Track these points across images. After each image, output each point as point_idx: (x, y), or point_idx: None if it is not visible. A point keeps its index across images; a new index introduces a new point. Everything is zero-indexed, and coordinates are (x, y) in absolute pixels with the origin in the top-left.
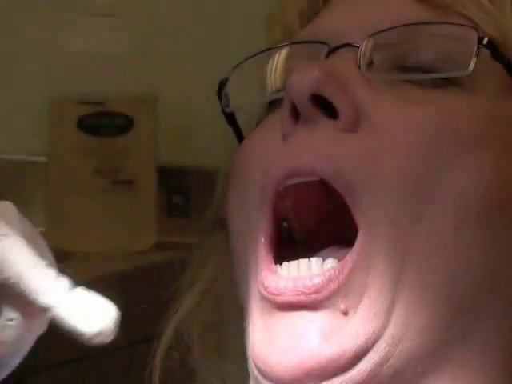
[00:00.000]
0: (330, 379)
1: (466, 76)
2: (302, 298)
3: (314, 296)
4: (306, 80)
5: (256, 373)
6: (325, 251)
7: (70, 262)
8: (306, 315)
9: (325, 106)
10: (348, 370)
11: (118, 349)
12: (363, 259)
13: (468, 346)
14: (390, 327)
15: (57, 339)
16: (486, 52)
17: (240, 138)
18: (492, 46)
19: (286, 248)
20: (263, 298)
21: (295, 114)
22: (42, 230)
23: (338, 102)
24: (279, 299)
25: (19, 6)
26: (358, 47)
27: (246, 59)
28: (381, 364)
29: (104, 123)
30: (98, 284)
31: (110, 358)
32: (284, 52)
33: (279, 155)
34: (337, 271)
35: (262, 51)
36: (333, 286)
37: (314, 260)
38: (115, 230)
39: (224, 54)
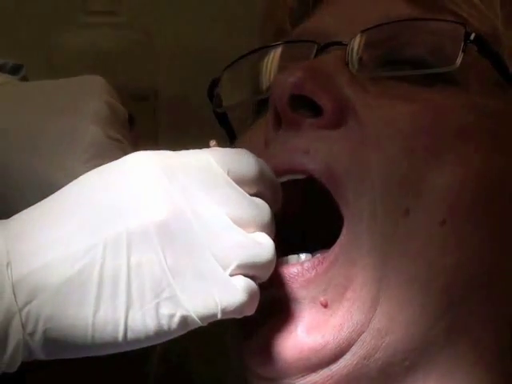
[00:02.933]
0: (315, 371)
1: (453, 71)
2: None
3: (288, 285)
4: (287, 82)
5: (246, 372)
6: (316, 249)
7: None
8: (285, 306)
9: (311, 107)
10: (333, 362)
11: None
12: (346, 252)
13: (458, 342)
14: (374, 320)
15: None
16: (474, 48)
17: (232, 137)
18: (480, 42)
19: (279, 246)
20: None
21: (278, 119)
22: None
23: (320, 98)
24: None
25: (19, 4)
26: (347, 45)
27: (238, 59)
28: (367, 357)
29: None
30: None
31: (112, 357)
32: (276, 52)
33: (263, 159)
34: (316, 262)
35: (254, 51)
36: (309, 274)
37: (303, 255)
38: None
39: (225, 52)
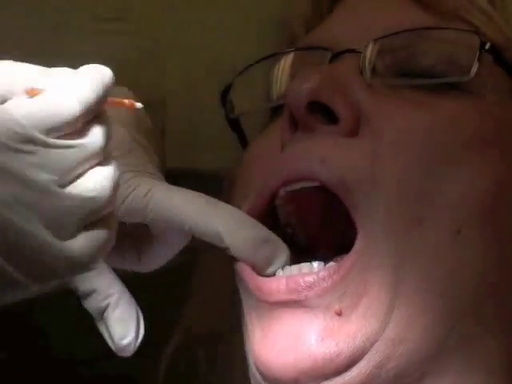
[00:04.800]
0: (329, 379)
1: (468, 80)
2: (294, 295)
3: (305, 293)
4: (304, 88)
5: (257, 375)
6: (328, 256)
7: None
8: (300, 315)
9: (325, 112)
10: (346, 370)
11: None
12: (361, 261)
13: (469, 350)
14: (388, 329)
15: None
16: (489, 57)
17: (244, 143)
18: (494, 51)
19: (291, 253)
20: (258, 299)
21: (294, 122)
22: None
23: (337, 106)
24: (271, 298)
25: (31, 11)
26: (361, 53)
27: (250, 65)
28: (380, 366)
29: None
30: None
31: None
32: (289, 58)
33: (276, 164)
34: (332, 271)
35: (267, 57)
36: (325, 284)
37: (315, 263)
38: None
39: (234, 59)
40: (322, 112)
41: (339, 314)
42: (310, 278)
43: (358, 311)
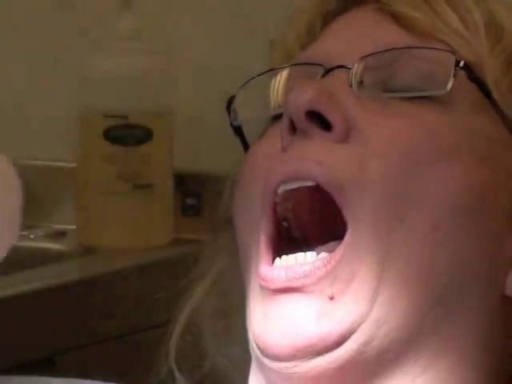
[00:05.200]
0: (321, 356)
1: (445, 94)
2: (293, 283)
3: (302, 281)
4: (303, 98)
5: (257, 351)
6: (320, 247)
7: (96, 256)
8: (297, 299)
9: (319, 120)
10: (336, 347)
11: (142, 330)
12: (350, 252)
13: (442, 332)
14: (373, 312)
15: (84, 322)
16: (463, 73)
17: (246, 147)
18: (468, 69)
19: (286, 244)
20: (261, 286)
21: (293, 127)
22: (73, 227)
23: (331, 116)
24: (272, 286)
25: (55, 31)
26: (350, 69)
27: (252, 79)
28: (366, 344)
29: (127, 134)
30: (121, 275)
31: (134, 339)
32: (285, 72)
33: (278, 164)
34: (325, 261)
35: (266, 72)
36: (319, 273)
37: (309, 253)
38: (136, 228)
39: (237, 73)
40: (317, 120)
41: (331, 298)
42: (306, 268)
43: (346, 296)
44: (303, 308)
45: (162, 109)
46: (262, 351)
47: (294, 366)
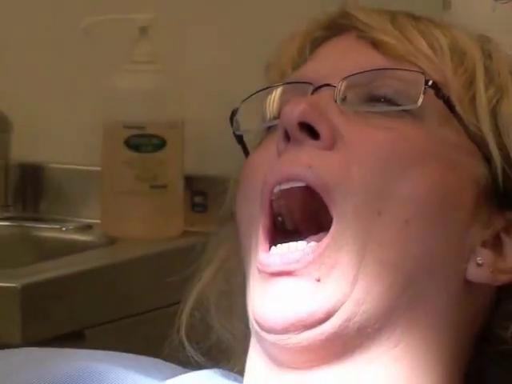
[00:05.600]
0: (310, 329)
1: (416, 108)
2: (286, 267)
3: (293, 265)
4: (296, 111)
5: (256, 326)
6: (309, 237)
7: (118, 245)
8: (289, 282)
9: (309, 130)
10: (323, 322)
11: (157, 309)
12: (335, 242)
13: (413, 310)
14: (354, 293)
15: (109, 301)
16: (431, 91)
17: (246, 153)
18: (435, 87)
19: (281, 235)
20: (259, 271)
21: (287, 136)
22: (98, 221)
23: (319, 127)
24: (269, 270)
25: (84, 55)
26: (335, 87)
27: (251, 95)
28: (348, 320)
29: (144, 143)
30: (139, 262)
31: (151, 316)
32: (279, 90)
33: (274, 167)
34: (313, 249)
35: (264, 89)
36: (308, 258)
37: (300, 243)
38: (152, 222)
39: (238, 90)
40: (307, 130)
41: (318, 280)
42: (297, 255)
43: (331, 279)
44: (295, 289)
45: (174, 121)
46: (260, 326)
47: (288, 338)
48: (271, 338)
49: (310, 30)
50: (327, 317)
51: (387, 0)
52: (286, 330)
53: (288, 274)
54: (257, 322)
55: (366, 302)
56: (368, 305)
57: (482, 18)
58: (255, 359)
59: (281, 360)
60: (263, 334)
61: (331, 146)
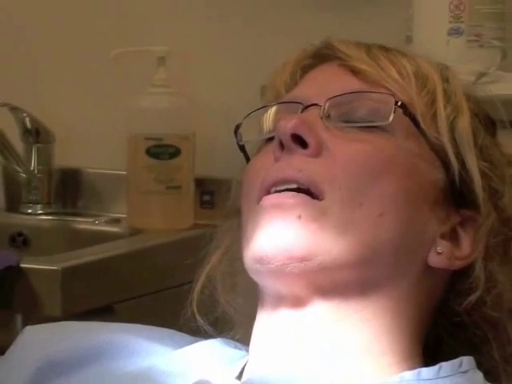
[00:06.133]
0: (298, 262)
1: (387, 125)
2: (280, 200)
3: (286, 200)
4: (289, 125)
5: (254, 265)
6: None
7: (141, 235)
8: (281, 223)
9: (300, 141)
10: (305, 261)
11: (173, 287)
12: (324, 223)
13: (380, 285)
14: (333, 252)
15: (135, 281)
16: (399, 110)
17: (247, 159)
18: (403, 107)
19: None
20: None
21: (281, 146)
22: (124, 215)
23: (308, 138)
24: (266, 202)
25: (111, 80)
26: (321, 106)
27: (251, 112)
28: (323, 268)
29: (162, 151)
30: (158, 249)
31: (168, 293)
32: (274, 108)
33: (271, 171)
34: (306, 198)
35: (262, 108)
36: (299, 198)
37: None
38: (168, 216)
39: (235, 108)
40: (298, 141)
41: (299, 217)
42: (292, 192)
43: (317, 229)
44: (284, 230)
45: (187, 133)
46: (253, 257)
47: (278, 269)
48: (265, 267)
49: (299, 58)
50: (309, 257)
51: (360, 36)
52: (274, 257)
53: (278, 206)
54: (255, 258)
55: (341, 268)
56: (342, 273)
57: (438, 50)
58: (259, 316)
59: (276, 291)
60: (259, 266)
61: (318, 154)
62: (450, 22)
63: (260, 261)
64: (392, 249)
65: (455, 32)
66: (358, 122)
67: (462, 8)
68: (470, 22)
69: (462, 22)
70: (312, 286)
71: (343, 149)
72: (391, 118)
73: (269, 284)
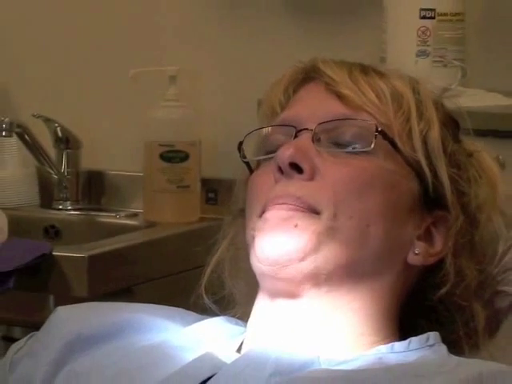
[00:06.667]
0: (298, 263)
1: (370, 149)
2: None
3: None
4: (286, 154)
5: (258, 264)
6: None
7: (155, 228)
8: (282, 232)
9: (296, 167)
10: (301, 261)
11: (184, 271)
12: (318, 226)
13: (365, 281)
14: (323, 251)
15: (151, 266)
16: (380, 136)
17: (250, 170)
18: (382, 132)
19: None
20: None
21: (281, 170)
22: (141, 211)
23: (303, 165)
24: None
25: (129, 95)
26: (311, 130)
27: (251, 132)
28: (317, 268)
29: (173, 156)
30: (171, 239)
31: (181, 276)
32: (269, 129)
33: (271, 194)
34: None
35: (258, 129)
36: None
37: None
38: (179, 211)
39: (236, 120)
40: (295, 167)
41: (295, 226)
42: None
43: (310, 234)
44: (283, 237)
45: (194, 140)
46: (259, 258)
47: (278, 270)
48: (266, 268)
49: (291, 75)
50: (305, 257)
51: (342, 55)
52: (276, 261)
53: (279, 217)
54: (256, 255)
55: (332, 267)
56: (334, 271)
57: (407, 70)
58: (258, 301)
59: (275, 289)
60: (261, 266)
61: (312, 178)
62: (418, 45)
63: (262, 262)
64: (377, 252)
65: (422, 54)
66: (344, 145)
67: (428, 34)
68: (435, 46)
69: (428, 45)
70: (308, 284)
71: (333, 172)
72: (373, 145)
73: (270, 284)
